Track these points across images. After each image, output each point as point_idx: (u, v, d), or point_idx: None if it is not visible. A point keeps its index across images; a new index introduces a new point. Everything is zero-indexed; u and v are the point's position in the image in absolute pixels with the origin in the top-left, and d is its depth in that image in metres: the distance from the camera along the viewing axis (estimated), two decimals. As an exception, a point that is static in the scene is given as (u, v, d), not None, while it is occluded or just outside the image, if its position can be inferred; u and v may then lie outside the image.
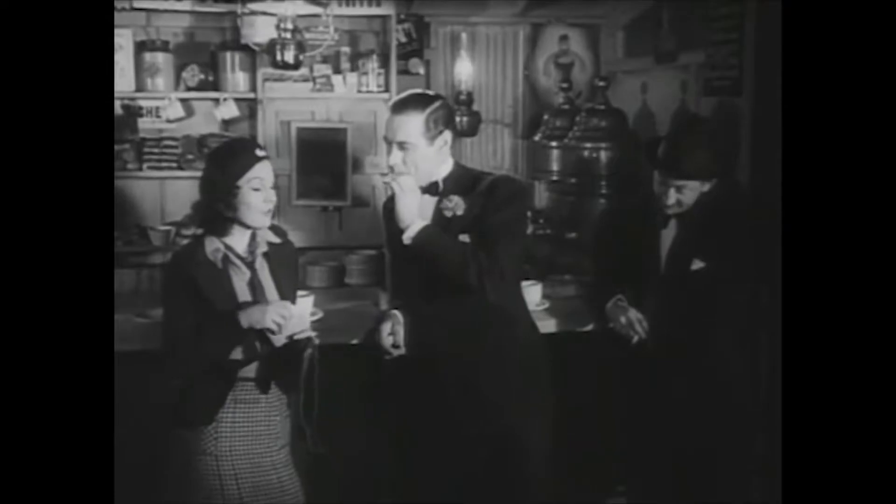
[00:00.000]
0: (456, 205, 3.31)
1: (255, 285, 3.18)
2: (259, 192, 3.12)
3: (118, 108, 6.25)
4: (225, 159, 3.14)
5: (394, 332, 3.36)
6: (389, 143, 3.32)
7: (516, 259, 3.40)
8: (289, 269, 3.34)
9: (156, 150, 6.35)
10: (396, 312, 3.41)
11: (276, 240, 3.28)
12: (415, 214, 3.25)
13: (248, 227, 3.17)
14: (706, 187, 3.61)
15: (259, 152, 3.16)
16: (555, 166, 5.67)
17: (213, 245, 3.16)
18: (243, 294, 3.15)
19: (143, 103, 6.41)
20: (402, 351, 3.36)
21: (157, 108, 6.41)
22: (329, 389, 3.19)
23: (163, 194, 6.49)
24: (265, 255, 3.23)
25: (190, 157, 6.31)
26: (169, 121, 6.38)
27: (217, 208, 3.13)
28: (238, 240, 3.19)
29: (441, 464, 3.43)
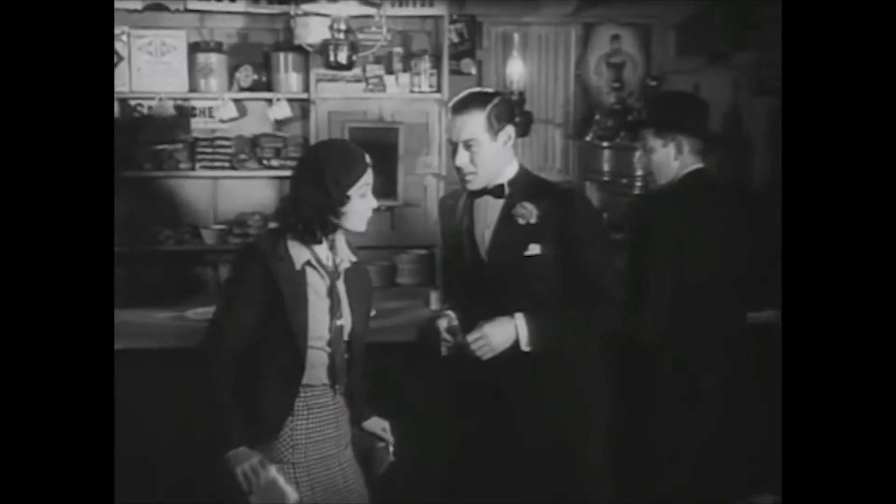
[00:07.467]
0: (529, 212, 3.27)
1: (334, 296, 3.11)
2: (365, 199, 3.09)
3: (171, 109, 6.32)
4: (339, 170, 3.05)
5: (450, 329, 3.34)
6: (454, 144, 3.30)
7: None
8: (362, 290, 3.24)
9: (209, 150, 6.41)
10: (450, 312, 3.41)
11: (353, 258, 3.20)
12: (511, 338, 3.21)
13: (348, 230, 3.13)
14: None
15: (367, 159, 3.11)
16: (606, 166, 5.67)
17: (296, 248, 3.08)
18: (319, 298, 3.10)
19: (196, 104, 6.48)
20: (458, 344, 3.28)
21: (211, 109, 6.49)
22: (383, 389, 3.21)
23: (215, 194, 6.56)
24: (346, 271, 3.17)
25: (242, 156, 6.37)
26: (222, 121, 6.45)
27: (323, 216, 3.06)
28: (321, 249, 3.12)
29: (495, 467, 3.40)
